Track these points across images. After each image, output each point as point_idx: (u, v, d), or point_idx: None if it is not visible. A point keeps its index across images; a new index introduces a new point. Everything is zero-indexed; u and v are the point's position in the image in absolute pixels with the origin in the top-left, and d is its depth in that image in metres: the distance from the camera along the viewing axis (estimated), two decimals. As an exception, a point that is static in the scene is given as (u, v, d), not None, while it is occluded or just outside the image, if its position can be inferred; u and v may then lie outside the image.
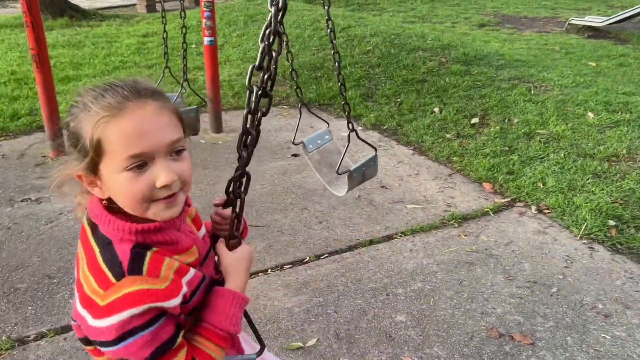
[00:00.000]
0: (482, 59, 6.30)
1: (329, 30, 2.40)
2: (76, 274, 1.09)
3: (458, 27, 10.26)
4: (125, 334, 0.97)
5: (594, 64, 7.21)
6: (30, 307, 2.65)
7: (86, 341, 1.10)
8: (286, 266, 3.05)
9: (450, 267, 3.05)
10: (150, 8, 11.15)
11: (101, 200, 1.07)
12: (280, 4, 1.15)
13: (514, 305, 2.74)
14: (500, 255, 3.17)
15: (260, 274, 2.96)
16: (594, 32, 9.97)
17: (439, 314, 2.67)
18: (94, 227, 1.07)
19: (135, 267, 0.99)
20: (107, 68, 6.81)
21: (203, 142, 4.83)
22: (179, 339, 1.04)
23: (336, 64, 2.46)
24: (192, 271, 1.08)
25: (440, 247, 3.25)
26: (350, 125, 2.57)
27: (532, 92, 5.30)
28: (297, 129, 2.84)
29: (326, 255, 3.16)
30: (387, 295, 2.80)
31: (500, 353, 2.41)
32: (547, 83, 5.48)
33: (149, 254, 1.01)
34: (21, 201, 3.69)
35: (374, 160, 2.66)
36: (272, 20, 1.15)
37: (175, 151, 1.04)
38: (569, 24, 10.32)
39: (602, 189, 3.72)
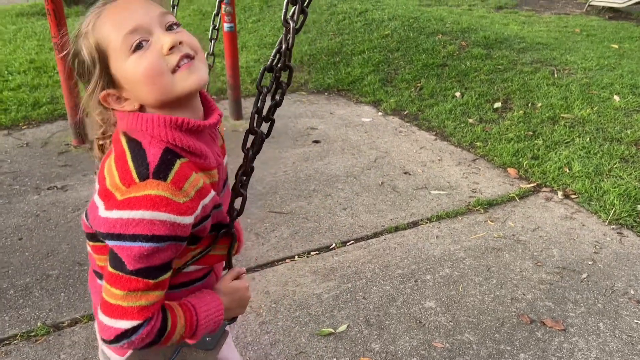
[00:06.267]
0: (502, 43, 6.20)
1: (212, 28, 2.13)
2: (100, 166, 1.05)
3: (475, 10, 10.08)
4: (127, 235, 0.92)
5: (616, 46, 7.06)
6: (62, 294, 2.68)
7: (91, 236, 1.08)
8: (313, 252, 3.05)
9: (477, 253, 3.03)
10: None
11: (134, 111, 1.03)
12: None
13: (544, 291, 2.72)
14: (528, 241, 3.14)
15: (287, 261, 2.97)
16: (615, 13, 9.75)
17: (469, 300, 2.66)
18: (125, 134, 1.02)
19: (162, 173, 0.94)
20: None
21: (224, 129, 4.82)
22: (167, 275, 1.00)
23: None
24: (211, 194, 1.03)
25: (467, 233, 3.23)
26: None
27: (556, 75, 5.21)
28: None
29: (352, 241, 3.15)
30: (416, 281, 2.80)
31: (532, 339, 2.40)
32: (570, 66, 5.39)
33: (178, 163, 0.97)
34: (47, 189, 3.73)
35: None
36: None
37: (169, 26, 1.01)
38: (588, 5, 10.11)
39: (630, 174, 3.67)
